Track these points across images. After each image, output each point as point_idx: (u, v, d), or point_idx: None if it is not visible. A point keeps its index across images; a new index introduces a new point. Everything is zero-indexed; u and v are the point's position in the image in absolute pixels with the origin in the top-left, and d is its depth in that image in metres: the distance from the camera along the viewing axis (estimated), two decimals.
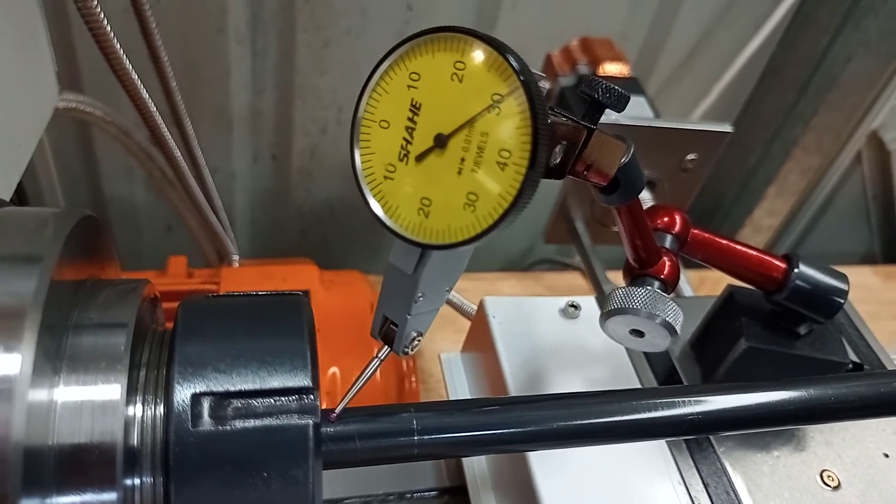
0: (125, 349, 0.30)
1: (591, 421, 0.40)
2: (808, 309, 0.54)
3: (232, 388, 0.29)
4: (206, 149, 0.80)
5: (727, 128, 0.75)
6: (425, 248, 0.32)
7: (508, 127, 0.30)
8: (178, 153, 0.76)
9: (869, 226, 1.31)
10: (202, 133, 0.81)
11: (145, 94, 0.68)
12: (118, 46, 0.62)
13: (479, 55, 0.31)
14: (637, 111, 0.83)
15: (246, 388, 0.30)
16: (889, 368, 0.63)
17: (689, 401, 0.44)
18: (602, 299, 0.66)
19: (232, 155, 1.03)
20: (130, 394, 0.30)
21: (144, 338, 0.33)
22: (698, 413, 0.44)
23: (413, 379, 0.74)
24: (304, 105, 1.00)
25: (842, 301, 0.54)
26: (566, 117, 0.36)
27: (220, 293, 0.41)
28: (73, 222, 0.31)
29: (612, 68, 0.84)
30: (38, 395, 0.27)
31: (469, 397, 0.63)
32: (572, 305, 0.63)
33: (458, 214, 0.31)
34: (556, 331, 0.62)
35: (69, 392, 0.29)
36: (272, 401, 0.30)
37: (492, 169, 0.30)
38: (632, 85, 0.84)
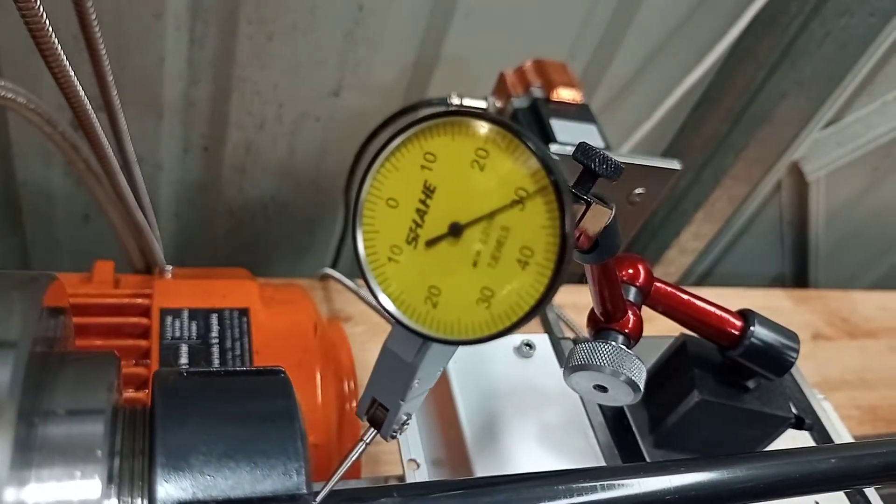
0: (103, 440, 0.27)
1: None
2: (761, 366, 0.55)
3: (220, 497, 0.27)
4: (133, 137, 0.74)
5: (676, 165, 0.76)
6: (432, 341, 0.30)
7: (533, 226, 0.28)
8: (106, 145, 0.70)
9: (782, 249, 1.37)
10: (129, 120, 0.75)
11: (74, 80, 0.62)
12: (48, 24, 0.55)
13: (504, 145, 0.29)
14: (588, 142, 0.83)
15: (237, 495, 0.27)
16: (822, 421, 0.66)
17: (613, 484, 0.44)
18: (555, 339, 0.66)
19: (160, 145, 0.97)
20: (108, 487, 0.27)
21: (116, 418, 0.30)
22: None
23: (354, 403, 0.72)
24: (241, 98, 0.95)
25: (793, 360, 0.55)
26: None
27: (190, 369, 0.38)
28: (42, 294, 0.27)
29: (565, 94, 0.83)
30: (12, 494, 0.24)
31: (419, 437, 0.61)
32: (527, 344, 0.63)
33: (471, 309, 0.29)
34: (511, 370, 0.61)
35: (44, 490, 0.26)
36: None
37: (511, 266, 0.29)
38: (584, 112, 0.83)
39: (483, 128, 0.29)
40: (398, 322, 0.31)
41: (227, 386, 0.32)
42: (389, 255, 0.31)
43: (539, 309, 0.28)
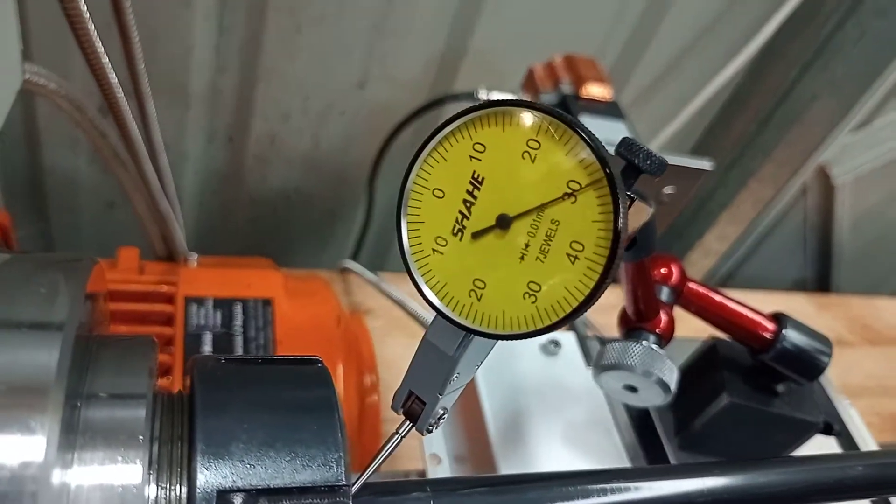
0: (145, 425, 0.27)
1: None
2: (792, 370, 0.55)
3: (260, 485, 0.27)
4: (159, 125, 0.74)
5: (707, 165, 0.75)
6: (475, 334, 0.30)
7: (584, 219, 0.28)
8: (135, 132, 0.70)
9: (804, 254, 1.35)
10: (156, 109, 0.75)
11: (108, 65, 0.62)
12: (84, 8, 0.55)
13: (557, 136, 0.28)
14: (617, 139, 0.83)
15: (276, 484, 0.27)
16: (849, 427, 0.65)
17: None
18: (581, 337, 0.65)
19: (186, 134, 0.97)
20: (149, 473, 0.27)
21: (154, 404, 0.29)
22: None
23: (375, 397, 0.72)
24: (267, 89, 0.95)
25: (825, 364, 0.55)
26: None
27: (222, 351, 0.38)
28: (86, 277, 0.27)
29: (595, 90, 0.82)
30: (57, 476, 0.24)
31: (442, 432, 0.61)
32: (553, 342, 0.62)
33: (517, 303, 0.29)
34: (537, 368, 0.61)
35: (86, 473, 0.25)
36: (303, 501, 0.27)
37: (560, 260, 0.28)
38: (613, 109, 0.82)
39: (535, 118, 0.29)
40: (441, 314, 0.30)
41: (266, 374, 0.31)
42: (434, 247, 0.30)
43: (588, 305, 0.28)
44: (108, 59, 0.59)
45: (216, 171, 1.02)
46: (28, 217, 1.01)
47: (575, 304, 0.28)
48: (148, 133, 0.73)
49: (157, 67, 0.88)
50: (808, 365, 0.54)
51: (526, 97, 0.86)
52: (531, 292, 0.29)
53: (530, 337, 0.29)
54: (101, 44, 0.57)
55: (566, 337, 0.63)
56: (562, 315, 0.28)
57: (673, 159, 0.76)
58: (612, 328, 0.56)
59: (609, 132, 0.81)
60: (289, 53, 0.92)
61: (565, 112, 0.28)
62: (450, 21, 0.94)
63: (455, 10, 0.93)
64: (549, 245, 0.28)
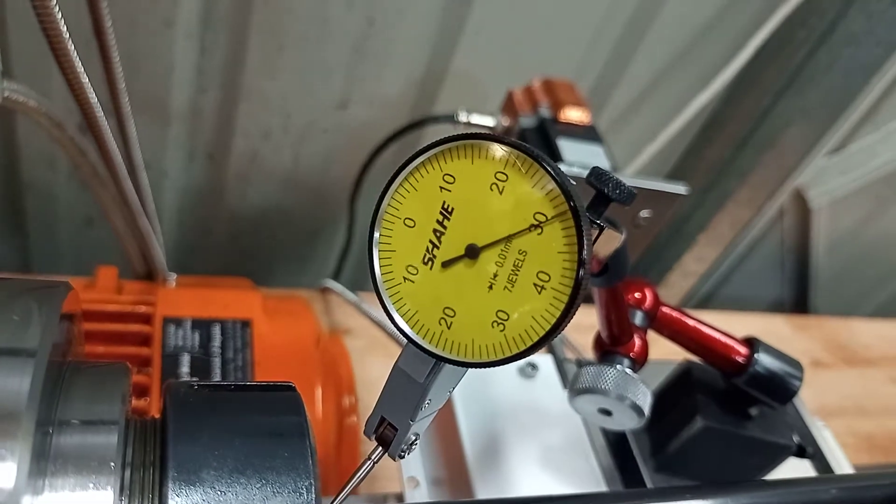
0: (117, 451, 0.27)
1: None
2: (765, 394, 0.55)
3: None
4: (140, 144, 0.74)
5: (683, 190, 0.76)
6: (445, 362, 0.30)
7: (550, 250, 0.29)
8: (115, 150, 0.70)
9: (782, 275, 1.37)
10: (136, 127, 0.75)
11: (87, 84, 0.62)
12: (64, 28, 0.55)
13: (524, 169, 0.29)
14: (595, 162, 0.84)
15: None
16: (823, 449, 0.66)
17: None
18: (558, 360, 0.66)
19: (166, 151, 0.97)
20: (120, 499, 0.27)
21: (127, 430, 0.29)
22: None
23: (353, 418, 0.72)
24: (248, 108, 0.95)
25: (796, 389, 0.55)
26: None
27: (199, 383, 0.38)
28: (60, 303, 0.27)
29: (573, 114, 0.83)
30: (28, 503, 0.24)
31: (419, 455, 0.61)
32: (530, 365, 0.63)
33: (486, 331, 0.29)
34: (514, 391, 0.61)
35: (57, 500, 0.26)
36: None
37: (527, 290, 0.29)
38: (591, 133, 0.84)
39: (503, 151, 0.29)
40: (412, 342, 0.31)
41: (239, 400, 0.32)
42: (405, 275, 0.31)
43: (554, 334, 0.28)
44: (87, 79, 0.59)
45: (196, 189, 1.02)
46: (6, 233, 1.00)
47: (542, 333, 0.28)
48: (128, 151, 0.73)
49: (138, 85, 0.88)
50: (780, 389, 0.55)
51: (505, 120, 0.87)
52: (499, 321, 0.29)
53: (499, 365, 0.29)
54: (80, 63, 0.57)
55: (543, 360, 0.64)
56: (529, 343, 0.29)
57: (649, 183, 0.77)
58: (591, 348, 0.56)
59: (587, 156, 0.82)
60: (270, 73, 0.92)
61: (532, 146, 0.29)
62: (431, 43, 0.95)
63: (436, 33, 0.95)
64: (517, 275, 0.29)
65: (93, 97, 0.62)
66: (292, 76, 0.93)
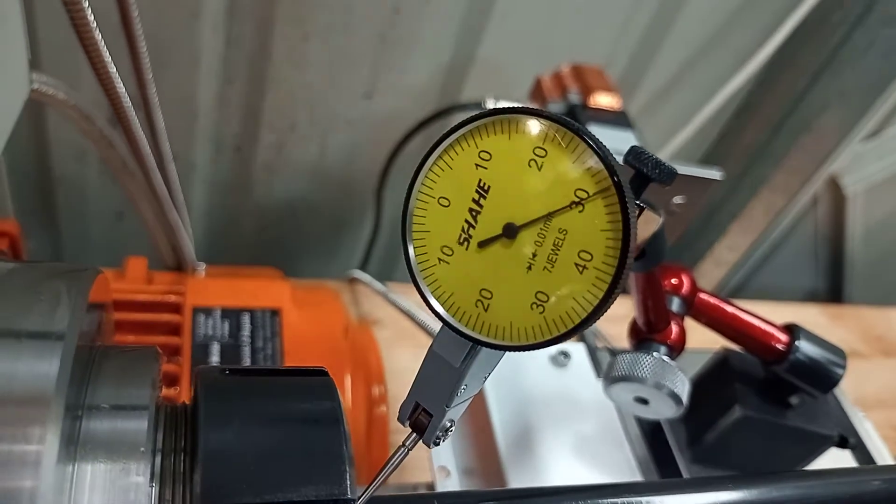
0: (147, 437, 0.26)
1: None
2: (806, 382, 0.54)
3: (263, 500, 0.26)
4: (168, 136, 0.74)
5: (717, 174, 0.74)
6: (482, 346, 0.29)
7: (592, 228, 0.27)
8: (144, 142, 0.70)
9: (816, 264, 1.34)
10: (164, 119, 0.75)
11: (116, 76, 0.62)
12: (92, 20, 0.55)
13: (564, 143, 0.28)
14: (626, 147, 0.82)
15: (279, 497, 0.26)
16: (864, 440, 0.64)
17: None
18: (591, 349, 0.65)
19: (194, 144, 0.97)
20: (151, 485, 0.26)
21: (157, 416, 0.29)
22: None
23: (383, 408, 0.71)
24: (275, 99, 0.95)
25: (839, 376, 0.54)
26: None
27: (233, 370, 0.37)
28: (88, 287, 0.27)
29: (603, 100, 0.82)
30: (57, 488, 0.24)
31: (450, 444, 0.60)
32: (562, 353, 0.62)
33: (524, 314, 0.28)
34: (546, 379, 0.60)
35: (87, 485, 0.25)
36: None
37: (568, 270, 0.28)
38: (621, 118, 0.82)
39: (541, 126, 0.28)
40: (447, 325, 0.30)
41: (270, 386, 0.31)
42: (440, 256, 0.30)
43: (597, 316, 0.27)
44: (115, 70, 0.59)
45: (224, 181, 1.02)
46: (38, 227, 1.01)
47: (584, 315, 0.27)
48: (156, 143, 0.73)
49: (166, 78, 0.88)
50: (822, 377, 0.53)
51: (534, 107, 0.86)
52: (539, 303, 0.28)
53: (538, 348, 0.28)
54: (108, 54, 0.57)
55: (576, 348, 0.63)
56: (570, 326, 0.28)
57: (682, 169, 0.75)
58: (622, 339, 0.55)
59: (617, 142, 0.80)
60: (296, 64, 0.92)
61: (572, 120, 0.27)
62: (457, 30, 0.94)
63: (462, 19, 0.93)
64: (557, 255, 0.28)
65: (121, 88, 0.62)
66: (318, 66, 0.93)
